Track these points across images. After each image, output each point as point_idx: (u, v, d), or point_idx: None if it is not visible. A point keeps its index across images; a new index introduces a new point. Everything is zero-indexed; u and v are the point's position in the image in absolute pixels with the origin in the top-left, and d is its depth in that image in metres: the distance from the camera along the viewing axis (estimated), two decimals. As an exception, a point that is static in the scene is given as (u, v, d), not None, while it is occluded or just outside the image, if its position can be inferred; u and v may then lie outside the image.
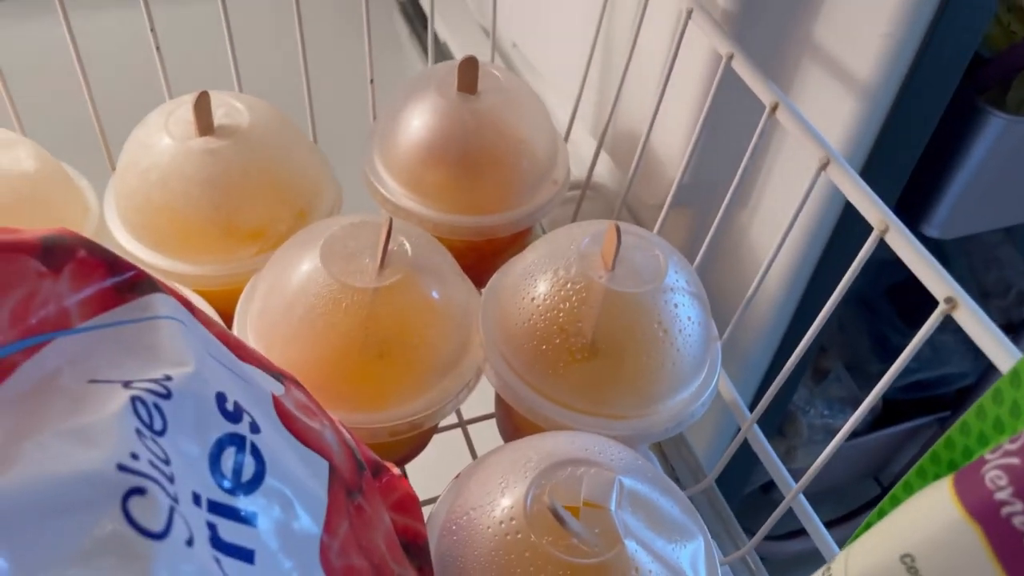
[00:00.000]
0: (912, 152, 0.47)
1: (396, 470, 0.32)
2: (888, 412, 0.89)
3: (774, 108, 0.37)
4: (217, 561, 0.21)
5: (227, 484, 0.22)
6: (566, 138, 0.56)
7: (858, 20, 0.41)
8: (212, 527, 0.21)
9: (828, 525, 0.39)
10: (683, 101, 0.49)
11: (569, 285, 0.37)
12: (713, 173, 0.50)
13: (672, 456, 0.50)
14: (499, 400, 0.43)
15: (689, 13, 0.41)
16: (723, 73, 0.39)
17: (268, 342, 0.37)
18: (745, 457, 0.47)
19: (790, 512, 0.41)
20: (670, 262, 0.38)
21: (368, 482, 0.29)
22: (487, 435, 0.46)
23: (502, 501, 0.30)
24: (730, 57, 0.39)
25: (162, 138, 0.41)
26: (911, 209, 0.59)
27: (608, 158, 0.60)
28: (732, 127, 0.45)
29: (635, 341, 0.36)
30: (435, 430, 0.44)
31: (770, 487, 0.88)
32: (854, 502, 0.96)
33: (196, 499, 0.21)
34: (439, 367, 0.38)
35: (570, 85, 0.63)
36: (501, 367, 0.38)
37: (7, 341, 0.21)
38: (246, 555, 0.22)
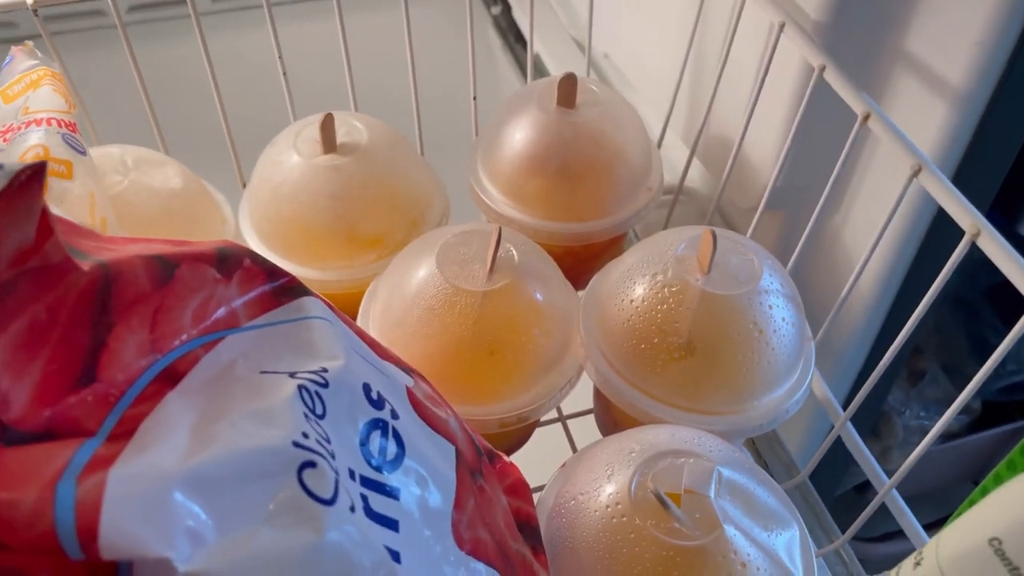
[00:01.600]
0: (1006, 155, 0.48)
1: (507, 458, 0.35)
2: (987, 414, 0.87)
3: (866, 117, 0.38)
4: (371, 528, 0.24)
5: (375, 462, 0.26)
6: (659, 145, 0.58)
7: (949, 30, 0.42)
8: (365, 499, 0.24)
9: (926, 528, 0.40)
10: (775, 108, 0.51)
11: (666, 288, 0.39)
12: (805, 178, 0.51)
13: (766, 453, 0.52)
14: (598, 395, 0.46)
15: (781, 26, 0.43)
16: (815, 84, 0.41)
17: (390, 340, 0.41)
18: (838, 457, 0.48)
19: (885, 512, 0.42)
20: (764, 265, 0.40)
21: (487, 466, 0.33)
22: (585, 430, 0.49)
23: (608, 487, 0.32)
24: (822, 68, 0.40)
25: (291, 156, 0.46)
26: (1009, 208, 0.59)
27: (699, 163, 0.62)
28: (823, 133, 0.46)
29: (730, 341, 0.38)
30: (538, 423, 0.47)
31: (864, 487, 0.87)
32: (952, 505, 0.94)
33: (352, 474, 0.24)
34: (544, 364, 0.41)
35: (660, 93, 0.65)
36: (601, 364, 0.41)
37: (191, 337, 0.25)
38: (393, 524, 0.25)
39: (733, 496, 0.32)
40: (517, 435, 0.45)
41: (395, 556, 0.24)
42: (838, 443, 0.45)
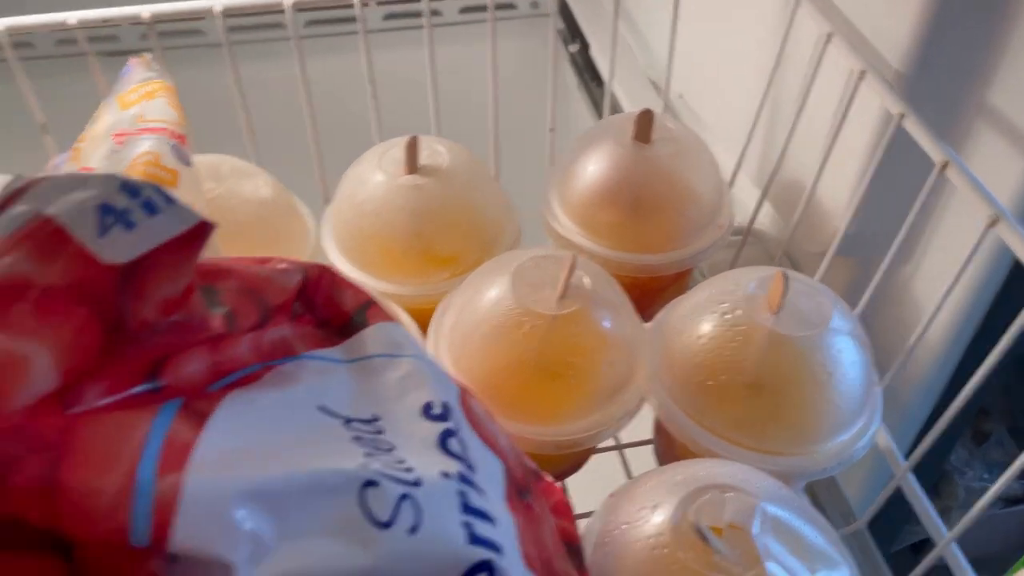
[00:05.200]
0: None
1: (549, 477, 0.36)
2: (1058, 482, 0.84)
3: (944, 166, 0.38)
4: (467, 525, 0.24)
5: (462, 463, 0.27)
6: (730, 185, 0.58)
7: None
8: (463, 495, 0.25)
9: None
10: (849, 153, 0.51)
11: (735, 327, 0.39)
12: (876, 224, 0.51)
13: (823, 498, 0.51)
14: (659, 429, 0.46)
15: (862, 74, 0.44)
16: (894, 131, 0.41)
17: (457, 353, 0.42)
18: (896, 511, 0.47)
19: (944, 569, 0.41)
20: (835, 309, 0.40)
21: (535, 484, 0.33)
22: (642, 460, 0.49)
23: (652, 518, 0.32)
24: (901, 116, 0.41)
25: (376, 175, 0.48)
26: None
27: (769, 206, 0.62)
28: (897, 180, 0.46)
29: (798, 382, 0.38)
30: (594, 450, 0.47)
31: (922, 546, 0.85)
32: (1016, 575, 0.91)
33: (445, 475, 0.25)
34: (605, 392, 0.42)
35: (733, 134, 0.66)
36: (665, 399, 0.41)
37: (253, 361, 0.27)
38: (488, 518, 0.25)
39: (778, 533, 0.32)
40: (572, 459, 0.45)
41: (496, 547, 0.24)
42: (897, 496, 0.45)
